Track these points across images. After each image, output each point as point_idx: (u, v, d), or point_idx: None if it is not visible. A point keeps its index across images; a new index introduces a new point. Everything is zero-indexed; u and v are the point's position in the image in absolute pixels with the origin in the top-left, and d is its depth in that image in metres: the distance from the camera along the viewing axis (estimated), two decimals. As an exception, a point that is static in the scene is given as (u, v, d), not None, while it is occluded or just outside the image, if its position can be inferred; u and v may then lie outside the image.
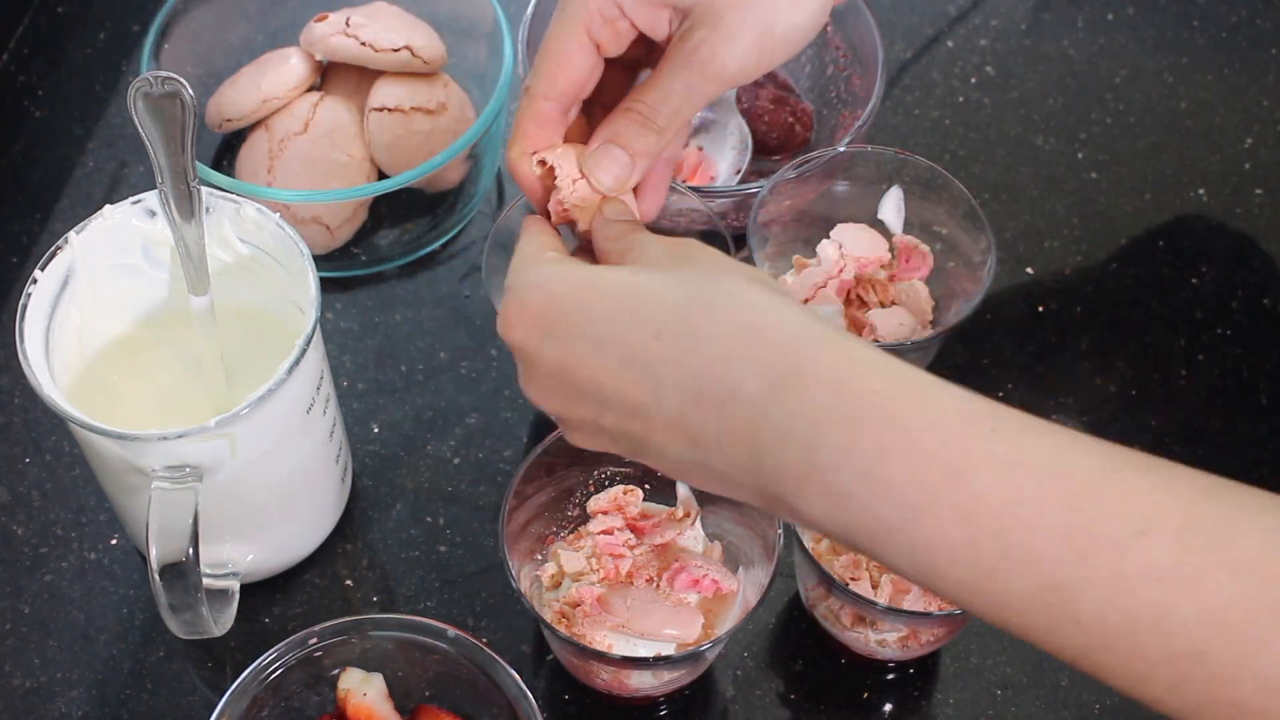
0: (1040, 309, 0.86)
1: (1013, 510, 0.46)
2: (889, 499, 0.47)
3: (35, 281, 0.67)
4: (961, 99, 0.96)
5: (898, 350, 0.73)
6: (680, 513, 0.72)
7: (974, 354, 0.84)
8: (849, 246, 0.79)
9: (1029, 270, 0.89)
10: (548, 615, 0.69)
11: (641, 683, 0.70)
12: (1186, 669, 0.45)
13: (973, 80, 0.97)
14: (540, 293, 0.54)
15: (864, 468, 0.47)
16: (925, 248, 0.79)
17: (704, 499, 0.73)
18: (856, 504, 0.48)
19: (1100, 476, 0.46)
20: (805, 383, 0.49)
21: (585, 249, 0.60)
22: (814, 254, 0.79)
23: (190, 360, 0.72)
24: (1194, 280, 0.88)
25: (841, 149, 0.79)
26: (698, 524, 0.72)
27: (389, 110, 0.86)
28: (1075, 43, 0.98)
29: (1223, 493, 0.46)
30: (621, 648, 0.68)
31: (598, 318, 0.52)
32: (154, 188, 0.67)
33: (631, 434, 0.53)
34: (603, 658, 0.67)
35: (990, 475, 0.46)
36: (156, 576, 0.62)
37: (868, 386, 0.48)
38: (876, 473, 0.47)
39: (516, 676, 0.65)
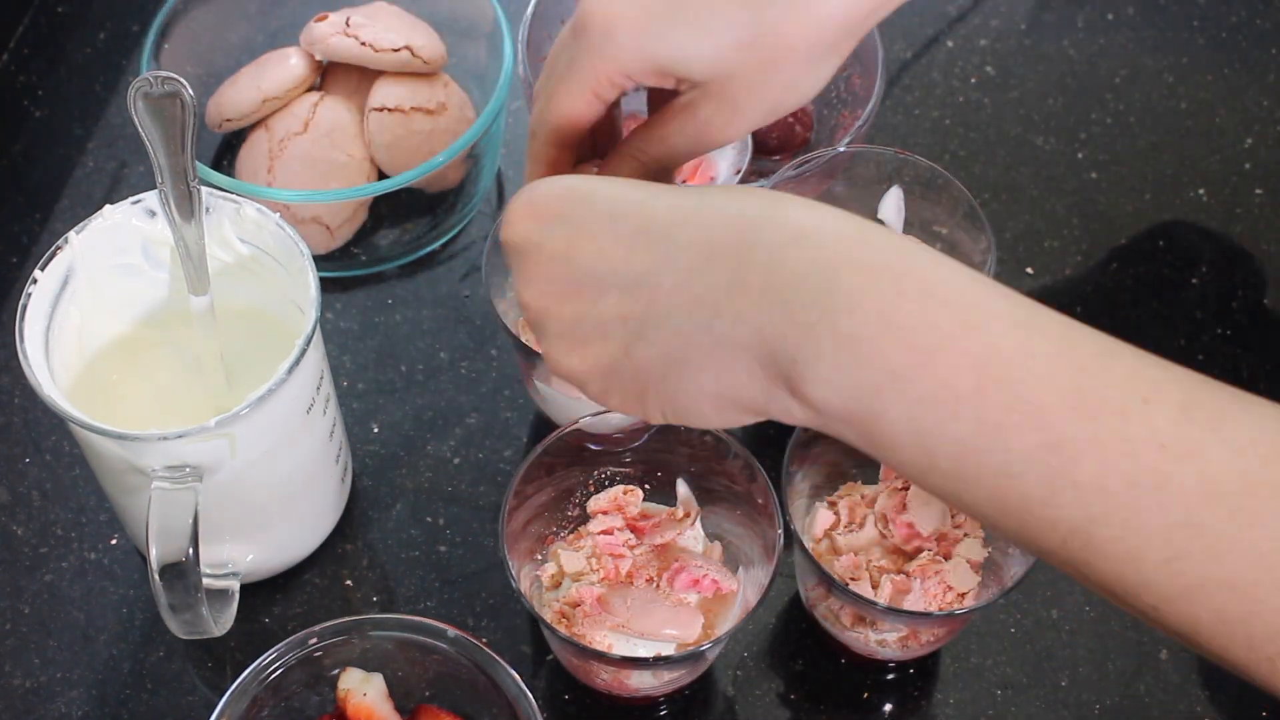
0: (1040, 309, 0.86)
1: (1024, 362, 0.46)
2: (902, 342, 0.47)
3: (35, 281, 0.67)
4: (961, 99, 0.96)
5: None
6: (680, 513, 0.73)
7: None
8: (849, 246, 0.79)
9: (1029, 270, 0.88)
10: (548, 615, 0.69)
11: (641, 683, 0.70)
12: (1181, 542, 0.45)
13: (973, 80, 0.97)
14: (552, 185, 0.54)
15: (879, 309, 0.47)
16: (925, 248, 0.79)
17: (704, 499, 0.73)
18: (867, 350, 0.47)
19: (1106, 350, 0.47)
20: (823, 235, 0.49)
21: None
22: (814, 254, 0.79)
23: (190, 360, 0.72)
24: (1194, 280, 0.88)
25: (841, 149, 0.79)
26: (698, 524, 0.72)
27: (389, 110, 0.86)
28: (1075, 43, 0.98)
29: (1217, 383, 0.47)
30: (621, 648, 0.68)
31: (611, 198, 0.53)
32: (154, 188, 0.67)
33: (630, 314, 0.51)
34: (603, 658, 0.67)
35: (1003, 328, 0.47)
36: (156, 576, 0.62)
37: (884, 244, 0.49)
38: (891, 315, 0.47)
39: (516, 676, 0.65)
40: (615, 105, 0.63)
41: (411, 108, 0.86)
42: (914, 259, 0.48)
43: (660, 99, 0.62)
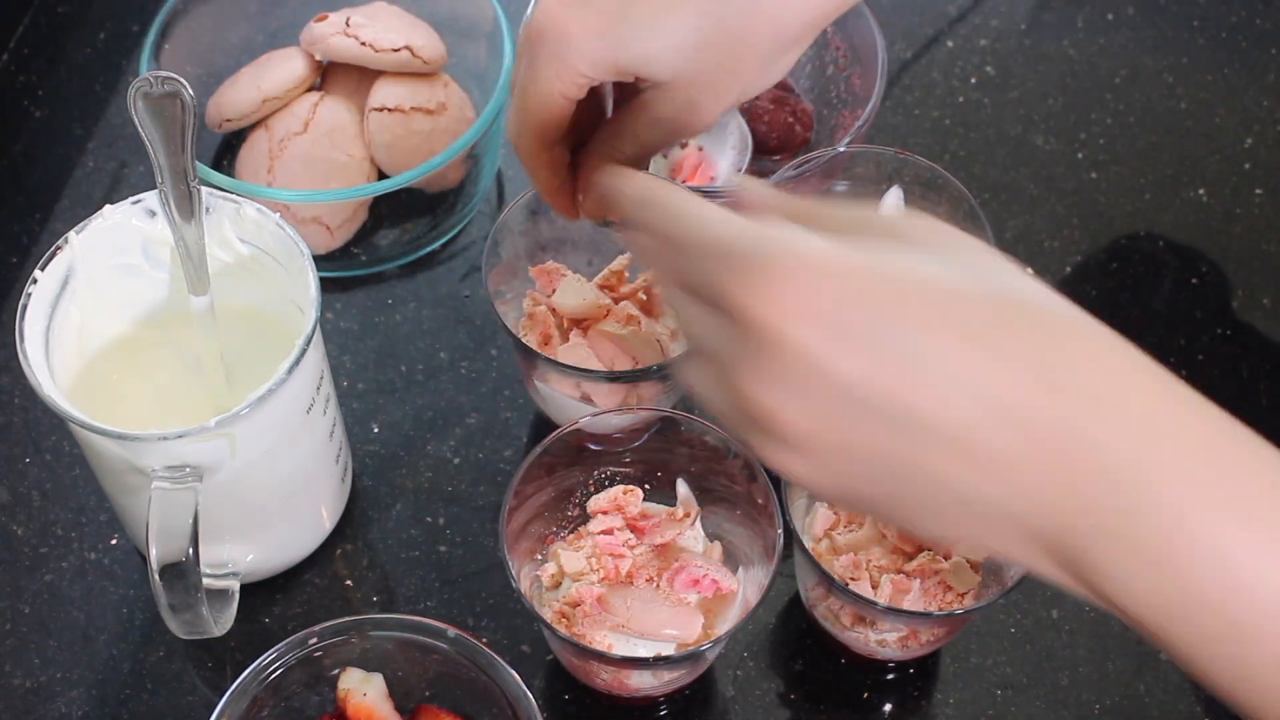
0: (1040, 309, 0.86)
1: None
2: (1231, 593, 0.41)
3: (35, 281, 0.67)
4: (961, 99, 0.96)
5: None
6: (680, 513, 0.72)
7: (974, 354, 0.84)
8: (849, 246, 0.79)
9: (1029, 270, 0.88)
10: (548, 615, 0.69)
11: (641, 683, 0.70)
12: None
13: (973, 80, 0.97)
14: (826, 276, 0.44)
15: (1204, 540, 0.41)
16: (925, 248, 0.79)
17: (704, 499, 0.73)
18: (1185, 584, 0.41)
19: None
20: (1135, 415, 0.43)
21: None
22: (814, 254, 0.79)
23: (190, 360, 0.73)
24: (1194, 280, 0.88)
25: (841, 149, 0.79)
26: (698, 524, 0.72)
27: (389, 110, 0.86)
28: (1075, 43, 0.98)
29: None
30: (621, 648, 0.68)
31: (895, 315, 0.44)
32: (154, 188, 0.68)
33: (889, 455, 0.44)
34: (603, 658, 0.67)
35: None
36: (156, 576, 0.62)
37: (1209, 442, 0.43)
38: (1218, 555, 0.41)
39: (516, 676, 0.65)
40: (596, 89, 0.63)
41: (411, 108, 0.86)
42: (1244, 469, 0.43)
43: (626, 90, 0.62)
